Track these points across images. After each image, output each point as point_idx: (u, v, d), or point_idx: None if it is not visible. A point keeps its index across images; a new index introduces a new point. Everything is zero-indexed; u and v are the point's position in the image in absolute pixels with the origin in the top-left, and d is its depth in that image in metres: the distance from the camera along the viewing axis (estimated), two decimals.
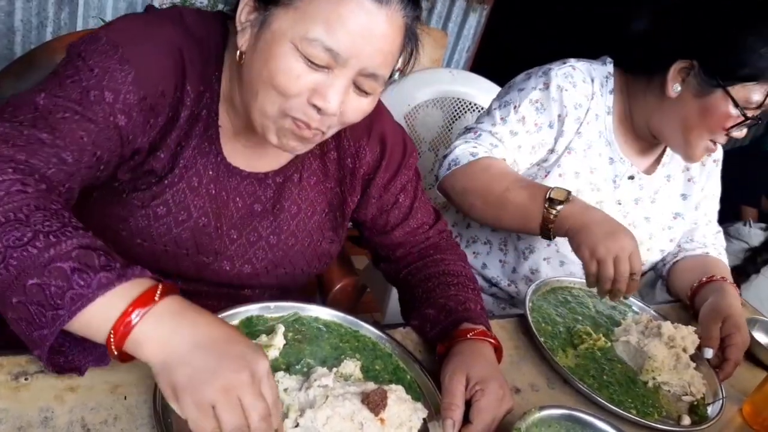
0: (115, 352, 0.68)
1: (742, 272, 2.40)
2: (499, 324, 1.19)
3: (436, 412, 0.90)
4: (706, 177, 1.57)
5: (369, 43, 0.83)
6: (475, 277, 1.17)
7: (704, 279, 1.45)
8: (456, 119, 1.93)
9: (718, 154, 1.58)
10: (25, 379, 0.76)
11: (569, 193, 1.23)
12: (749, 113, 1.26)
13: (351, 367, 0.92)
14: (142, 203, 0.95)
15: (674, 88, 1.31)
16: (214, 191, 0.99)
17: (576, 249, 1.19)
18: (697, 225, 1.61)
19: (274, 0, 0.84)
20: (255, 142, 1.01)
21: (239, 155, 1.01)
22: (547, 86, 1.39)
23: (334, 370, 0.90)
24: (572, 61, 1.44)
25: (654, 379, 1.15)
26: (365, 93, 0.90)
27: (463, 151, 1.35)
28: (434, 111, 1.93)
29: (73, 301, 0.66)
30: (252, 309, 0.97)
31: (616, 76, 1.45)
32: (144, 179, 0.95)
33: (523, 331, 1.19)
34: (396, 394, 0.84)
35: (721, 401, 1.14)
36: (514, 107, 1.40)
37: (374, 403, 0.79)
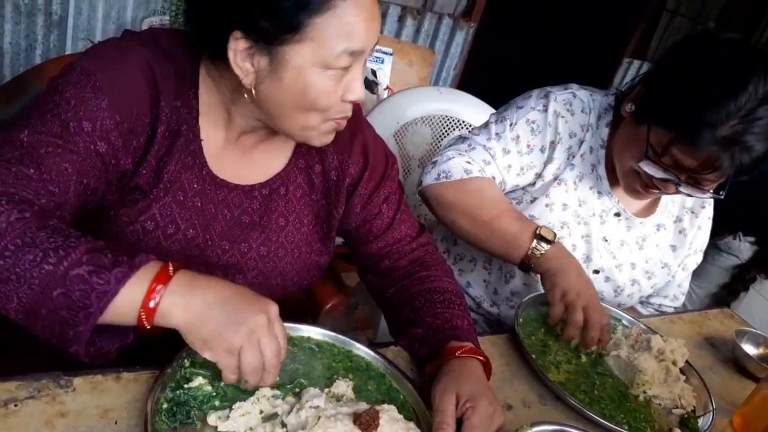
0: (148, 327, 0.78)
1: (731, 290, 2.41)
2: (489, 340, 1.19)
3: (428, 431, 0.90)
4: (696, 230, 1.54)
5: (373, 29, 0.91)
6: (461, 293, 1.17)
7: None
8: (444, 136, 1.95)
9: (709, 206, 1.54)
10: (15, 406, 0.76)
11: (554, 234, 1.28)
12: (662, 162, 1.21)
13: (343, 387, 0.92)
14: (130, 219, 0.96)
15: (628, 106, 1.31)
16: (200, 204, 1.01)
17: (548, 289, 1.22)
18: (674, 279, 1.58)
19: (280, 41, 0.87)
20: (242, 154, 1.03)
21: (226, 168, 1.02)
22: (545, 109, 1.39)
23: (326, 390, 0.90)
24: (574, 88, 1.43)
25: (645, 392, 1.16)
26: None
27: (456, 164, 1.34)
28: (423, 128, 1.95)
29: (100, 299, 0.75)
30: None
31: (616, 110, 1.41)
32: (130, 196, 0.96)
33: (513, 347, 1.19)
34: (388, 414, 0.84)
35: (711, 413, 1.15)
36: (511, 124, 1.39)
37: (366, 423, 0.79)
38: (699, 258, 1.59)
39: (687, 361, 1.23)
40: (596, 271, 1.46)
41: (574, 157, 1.40)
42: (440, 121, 1.95)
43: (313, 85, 0.90)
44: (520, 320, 1.24)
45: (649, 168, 1.24)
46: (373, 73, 2.97)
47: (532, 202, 1.42)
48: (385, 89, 2.99)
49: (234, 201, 1.04)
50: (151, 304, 0.77)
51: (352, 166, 1.12)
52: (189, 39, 0.97)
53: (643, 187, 1.31)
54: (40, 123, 0.85)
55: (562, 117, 1.38)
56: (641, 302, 1.61)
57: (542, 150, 1.40)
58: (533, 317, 1.29)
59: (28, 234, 0.76)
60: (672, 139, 1.18)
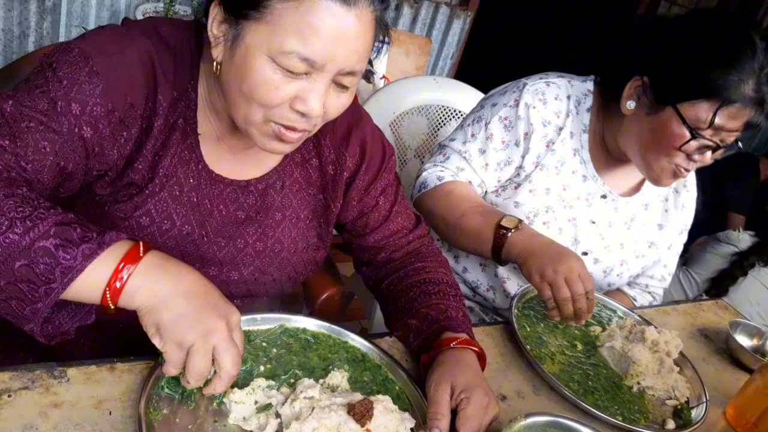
0: (112, 307, 0.75)
1: (730, 275, 2.44)
2: (484, 331, 1.20)
3: (423, 422, 0.90)
4: (680, 209, 1.56)
5: (343, 45, 0.84)
6: (456, 284, 1.18)
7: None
8: (441, 126, 1.94)
9: (692, 186, 1.58)
10: (9, 396, 0.76)
11: (520, 221, 1.28)
12: (705, 134, 1.24)
13: (338, 378, 0.92)
14: (125, 215, 0.95)
15: (628, 104, 1.32)
16: (196, 199, 1.00)
17: (527, 277, 1.22)
18: (661, 259, 1.59)
19: (243, 14, 0.84)
20: (239, 148, 1.02)
21: (222, 162, 1.01)
22: (516, 104, 1.41)
23: (321, 381, 0.90)
24: (550, 76, 1.45)
25: (639, 383, 1.16)
26: (345, 88, 0.92)
27: (430, 174, 1.43)
28: (419, 118, 1.94)
29: (64, 275, 0.72)
30: None
31: (596, 95, 1.44)
32: (125, 191, 0.95)
33: (508, 339, 1.19)
34: (383, 404, 0.85)
35: (704, 404, 1.15)
36: (485, 124, 1.43)
37: (360, 414, 0.79)
38: (684, 238, 1.62)
39: (681, 353, 1.23)
40: (585, 253, 1.47)
41: (553, 143, 1.42)
42: (437, 111, 1.95)
43: (255, 70, 0.85)
44: (515, 311, 1.24)
45: (694, 144, 1.25)
46: (369, 62, 2.96)
47: (516, 188, 1.44)
48: (381, 78, 2.98)
49: (230, 196, 1.03)
50: (117, 285, 0.74)
51: (350, 159, 1.11)
52: (189, 30, 0.96)
53: (685, 167, 1.31)
54: (26, 96, 0.83)
55: (534, 107, 1.40)
56: (628, 283, 1.61)
57: (517, 144, 1.43)
58: (528, 308, 1.29)
59: None
60: (717, 107, 1.20)
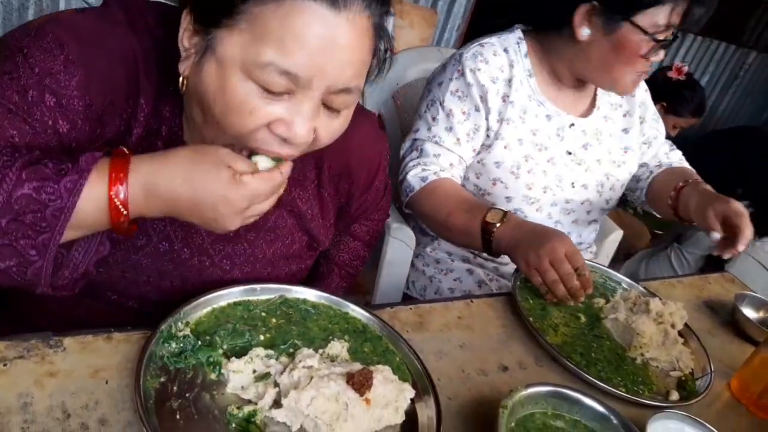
0: (126, 224, 0.72)
1: None
2: (486, 303, 1.18)
3: (423, 392, 0.89)
4: (639, 105, 1.63)
5: (332, 56, 0.73)
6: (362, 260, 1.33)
7: (680, 184, 1.50)
8: None
9: (642, 89, 1.66)
10: (4, 365, 0.75)
11: (505, 213, 1.31)
12: (660, 36, 1.31)
13: (338, 348, 0.91)
14: None
15: (583, 32, 1.36)
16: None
17: (517, 267, 1.25)
18: (650, 145, 1.69)
19: (214, 21, 0.73)
20: None
21: None
22: (462, 73, 1.44)
23: (321, 351, 0.89)
24: (481, 39, 1.50)
25: (642, 355, 1.15)
26: (337, 111, 0.80)
27: (414, 176, 1.45)
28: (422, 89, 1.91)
29: (56, 218, 0.67)
30: (235, 292, 0.95)
31: (527, 40, 1.49)
32: None
33: (511, 310, 1.18)
34: (382, 374, 0.84)
35: (709, 376, 1.14)
36: (440, 103, 1.46)
37: (359, 383, 0.79)
38: (661, 127, 1.72)
39: (686, 324, 1.22)
40: (572, 185, 1.53)
41: (508, 95, 1.45)
42: None
43: (226, 89, 0.73)
44: (518, 283, 1.23)
45: (658, 48, 1.34)
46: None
47: (488, 148, 1.47)
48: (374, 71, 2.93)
49: None
50: (122, 196, 0.70)
51: (347, 186, 1.10)
52: (177, 14, 0.82)
53: (645, 70, 1.40)
54: None
55: (479, 70, 1.43)
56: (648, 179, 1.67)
57: (477, 109, 1.45)
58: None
59: None
60: (672, 9, 1.29)
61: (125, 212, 0.71)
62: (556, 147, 1.51)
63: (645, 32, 1.30)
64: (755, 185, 2.89)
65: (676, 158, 1.73)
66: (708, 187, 1.48)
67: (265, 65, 0.71)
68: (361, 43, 0.75)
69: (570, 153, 1.52)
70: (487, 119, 1.45)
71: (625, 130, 1.62)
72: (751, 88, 5.87)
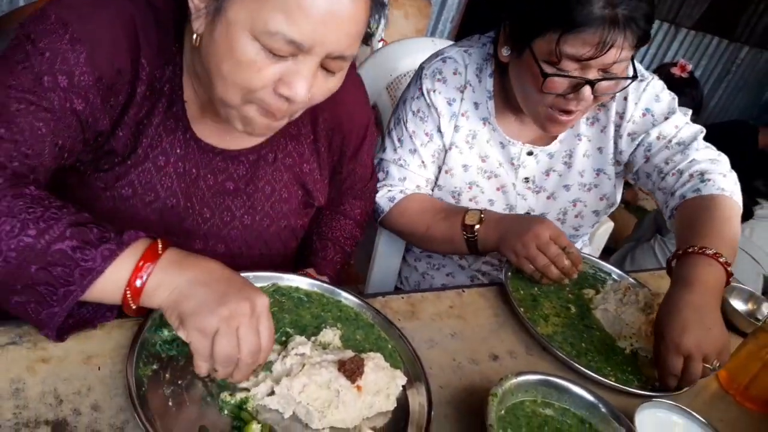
0: (133, 308, 0.74)
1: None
2: (478, 293, 1.19)
3: (415, 379, 0.90)
4: (614, 115, 1.38)
5: (334, 28, 0.78)
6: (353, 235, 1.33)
7: (680, 251, 1.17)
8: None
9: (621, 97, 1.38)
10: None
11: (482, 212, 1.30)
12: (565, 68, 1.14)
13: (330, 335, 0.92)
14: (105, 185, 0.92)
15: (504, 52, 1.26)
16: (182, 169, 0.96)
17: (507, 260, 1.25)
18: (642, 143, 1.38)
19: None
20: (223, 119, 0.97)
21: (210, 132, 0.98)
22: (421, 92, 1.40)
23: (313, 339, 0.90)
24: (446, 52, 1.41)
25: (632, 345, 1.16)
26: (332, 72, 0.86)
27: (381, 198, 1.43)
28: None
29: (83, 277, 0.70)
30: None
31: (494, 56, 1.35)
32: (105, 159, 0.91)
33: (502, 300, 1.19)
34: (374, 361, 0.85)
35: None
36: (404, 123, 1.43)
37: (350, 370, 0.79)
38: (659, 110, 1.39)
39: None
40: (528, 214, 1.46)
41: (457, 119, 1.40)
42: None
43: (236, 49, 0.78)
44: (509, 273, 1.24)
45: (554, 83, 1.17)
46: (368, 24, 2.91)
47: (437, 174, 1.46)
48: (379, 41, 2.93)
49: (219, 166, 1.00)
50: (138, 283, 0.73)
51: (339, 141, 1.12)
52: None
53: (561, 111, 1.21)
54: (10, 76, 0.79)
55: (435, 90, 1.39)
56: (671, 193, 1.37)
57: (439, 130, 1.41)
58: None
59: (3, 202, 0.71)
60: (559, 38, 1.11)
61: (139, 287, 0.74)
62: (510, 175, 1.43)
63: (536, 61, 1.16)
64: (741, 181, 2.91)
65: (688, 134, 1.38)
66: (699, 271, 1.12)
67: (273, 33, 0.77)
68: (359, 15, 0.81)
69: (527, 180, 1.44)
70: (443, 141, 1.41)
71: (600, 150, 1.42)
72: (743, 83, 5.91)
